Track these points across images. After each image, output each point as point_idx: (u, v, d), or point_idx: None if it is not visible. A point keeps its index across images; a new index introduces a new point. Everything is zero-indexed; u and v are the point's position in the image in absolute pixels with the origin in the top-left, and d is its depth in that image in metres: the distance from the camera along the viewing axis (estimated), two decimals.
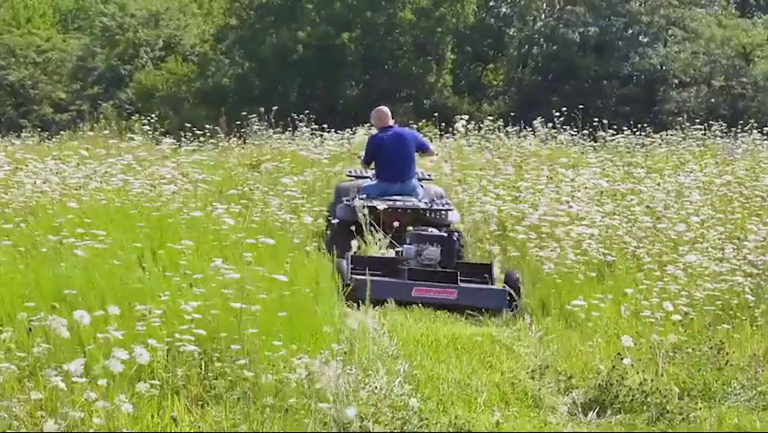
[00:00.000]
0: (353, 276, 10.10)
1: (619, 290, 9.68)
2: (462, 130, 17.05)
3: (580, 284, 9.93)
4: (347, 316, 9.21)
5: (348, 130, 22.90)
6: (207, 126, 24.12)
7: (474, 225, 12.87)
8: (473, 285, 10.63)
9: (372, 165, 13.02)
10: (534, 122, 21.54)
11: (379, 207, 11.63)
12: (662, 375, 7.73)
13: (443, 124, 22.09)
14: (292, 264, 9.13)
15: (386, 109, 13.13)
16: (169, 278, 7.95)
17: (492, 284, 10.78)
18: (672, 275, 9.55)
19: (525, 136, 20.89)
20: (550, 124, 21.51)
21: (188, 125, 23.56)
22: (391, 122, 13.01)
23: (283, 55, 44.48)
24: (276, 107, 25.33)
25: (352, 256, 10.78)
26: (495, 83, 49.12)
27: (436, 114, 25.61)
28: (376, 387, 7.13)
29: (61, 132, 27.48)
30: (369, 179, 13.07)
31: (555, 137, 20.91)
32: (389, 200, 12.06)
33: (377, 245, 11.64)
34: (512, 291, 10.25)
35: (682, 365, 7.93)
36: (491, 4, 49.41)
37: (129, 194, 11.61)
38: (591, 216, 11.23)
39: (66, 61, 54.25)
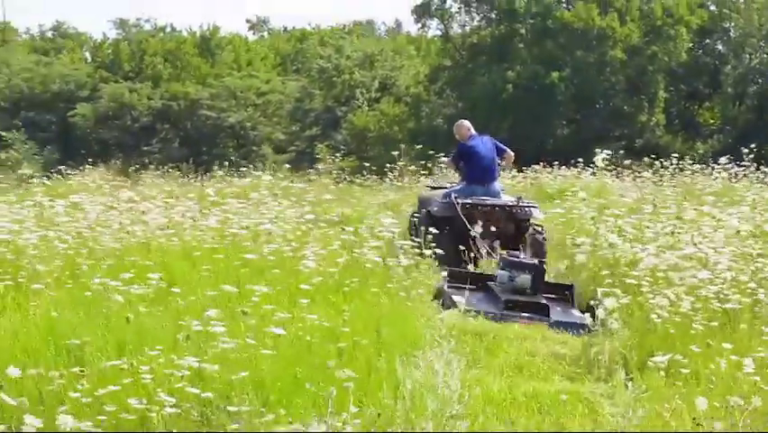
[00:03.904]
0: (449, 290, 10.96)
1: (740, 344, 8.47)
2: (601, 164, 16.11)
3: (695, 335, 8.74)
4: (417, 367, 8.29)
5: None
6: (389, 165, 23.88)
7: (581, 264, 11.85)
8: (563, 319, 10.96)
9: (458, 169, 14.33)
10: (721, 159, 20.30)
11: (467, 203, 12.97)
12: None
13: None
14: (352, 310, 8.29)
15: (467, 122, 14.35)
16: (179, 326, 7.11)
17: (573, 303, 11.51)
18: None
19: (710, 174, 19.82)
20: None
21: (367, 164, 23.45)
22: (473, 131, 14.10)
23: (494, 94, 44.22)
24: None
25: (449, 270, 11.65)
26: (711, 121, 47.42)
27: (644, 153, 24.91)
28: None
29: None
30: (447, 188, 14.21)
31: (746, 175, 19.84)
32: (479, 199, 13.29)
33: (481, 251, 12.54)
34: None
35: None
36: (707, 41, 47.67)
37: (229, 234, 10.95)
38: (719, 260, 9.93)
39: (284, 103, 55.27)
